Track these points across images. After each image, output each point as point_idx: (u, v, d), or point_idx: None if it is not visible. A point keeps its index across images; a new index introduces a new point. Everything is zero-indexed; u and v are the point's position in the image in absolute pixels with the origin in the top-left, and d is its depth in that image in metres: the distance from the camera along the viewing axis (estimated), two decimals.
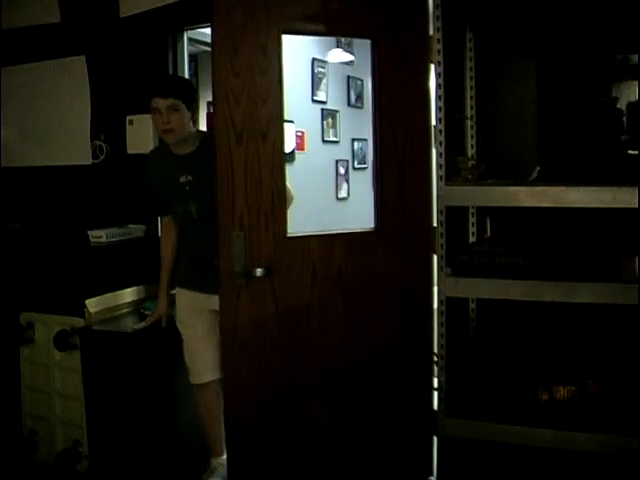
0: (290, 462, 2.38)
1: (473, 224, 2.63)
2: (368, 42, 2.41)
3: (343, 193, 5.18)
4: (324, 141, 4.91)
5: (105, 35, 3.39)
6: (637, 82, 2.38)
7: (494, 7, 2.50)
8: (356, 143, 5.29)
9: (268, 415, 2.35)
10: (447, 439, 2.32)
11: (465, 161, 2.43)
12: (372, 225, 2.46)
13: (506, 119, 2.62)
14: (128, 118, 3.30)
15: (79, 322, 2.70)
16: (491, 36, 2.57)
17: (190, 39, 3.37)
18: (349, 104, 5.18)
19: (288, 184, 2.34)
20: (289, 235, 2.31)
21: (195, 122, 2.74)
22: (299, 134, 4.52)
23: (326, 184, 5.00)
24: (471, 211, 2.63)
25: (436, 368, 2.39)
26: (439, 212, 2.27)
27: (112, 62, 3.39)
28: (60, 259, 3.05)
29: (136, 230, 3.25)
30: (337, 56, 4.76)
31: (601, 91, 2.44)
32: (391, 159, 2.41)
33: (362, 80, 5.20)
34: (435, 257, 2.35)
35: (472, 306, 2.64)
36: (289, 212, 2.34)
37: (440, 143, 2.25)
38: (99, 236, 3.10)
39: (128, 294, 2.93)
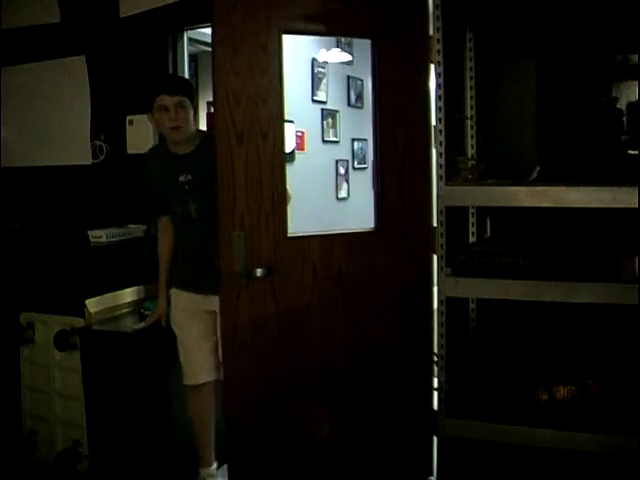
0: (290, 462, 2.38)
1: (473, 224, 2.63)
2: (368, 42, 2.41)
3: (343, 193, 5.17)
4: (324, 141, 4.91)
5: (105, 35, 3.39)
6: (637, 82, 2.38)
7: (494, 7, 2.50)
8: (356, 143, 5.29)
9: (268, 415, 2.35)
10: (447, 439, 2.31)
11: (465, 161, 2.43)
12: (372, 225, 2.46)
13: (506, 119, 2.62)
14: (128, 118, 3.30)
15: (79, 322, 2.69)
16: (491, 36, 2.57)
17: (190, 39, 3.37)
18: (349, 104, 5.18)
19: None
20: (289, 235, 2.31)
21: (194, 122, 2.74)
22: (299, 134, 4.52)
23: (326, 184, 4.99)
24: (471, 211, 2.63)
25: (436, 368, 2.39)
26: (439, 212, 2.26)
27: (112, 62, 3.39)
28: (60, 259, 3.05)
29: (136, 230, 3.24)
30: (335, 56, 4.74)
31: (601, 91, 2.44)
32: (391, 159, 2.41)
33: (362, 80, 5.19)
34: (435, 257, 2.35)
35: (472, 306, 2.64)
36: (289, 212, 2.33)
37: (440, 143, 2.25)
38: (99, 236, 3.09)
39: (128, 294, 2.93)
